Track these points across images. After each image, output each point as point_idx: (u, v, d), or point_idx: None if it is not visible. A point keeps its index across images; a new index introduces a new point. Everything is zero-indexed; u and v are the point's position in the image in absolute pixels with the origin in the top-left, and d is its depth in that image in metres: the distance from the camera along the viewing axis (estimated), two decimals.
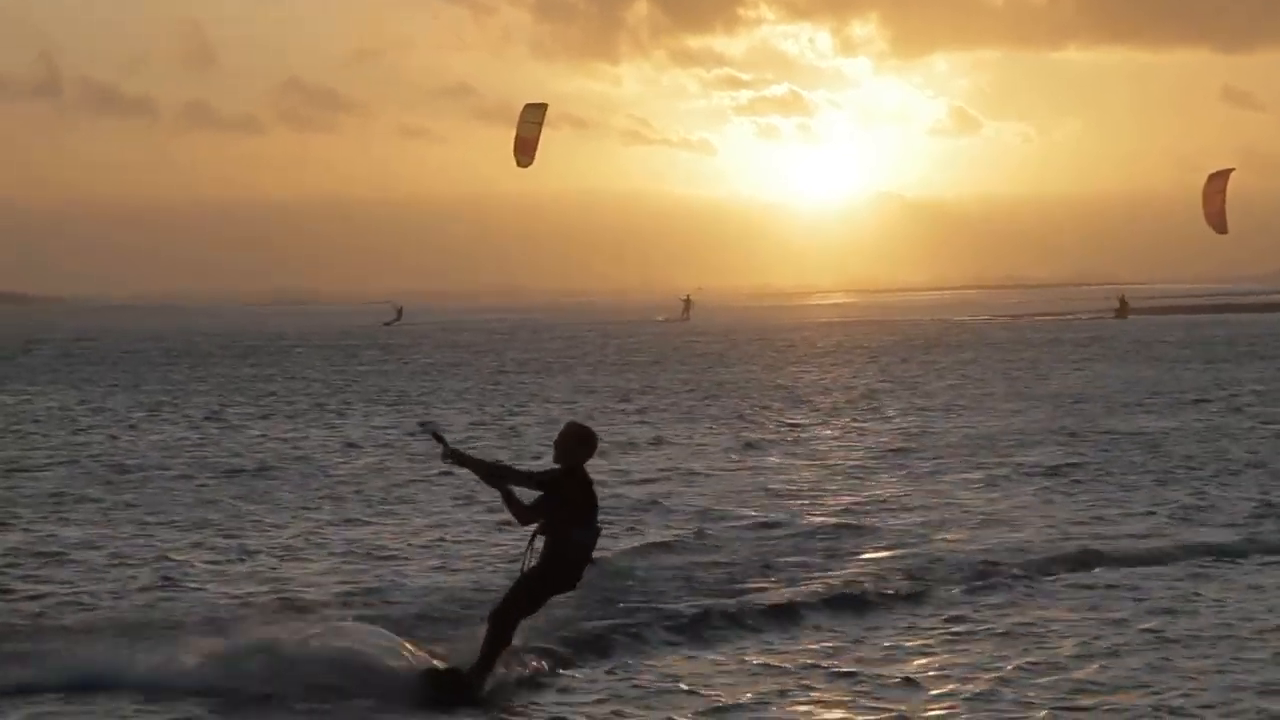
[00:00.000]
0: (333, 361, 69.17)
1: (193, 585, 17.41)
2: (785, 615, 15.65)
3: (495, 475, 12.77)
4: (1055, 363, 58.69)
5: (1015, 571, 17.61)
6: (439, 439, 12.89)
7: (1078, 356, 62.66)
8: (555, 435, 13.02)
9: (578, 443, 12.83)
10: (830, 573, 17.61)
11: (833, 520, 21.46)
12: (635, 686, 13.15)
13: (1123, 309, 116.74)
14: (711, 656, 14.16)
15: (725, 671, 13.63)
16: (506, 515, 13.00)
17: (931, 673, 13.46)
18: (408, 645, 13.11)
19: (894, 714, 12.37)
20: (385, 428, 35.93)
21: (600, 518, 12.83)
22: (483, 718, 12.41)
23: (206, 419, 38.84)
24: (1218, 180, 52.53)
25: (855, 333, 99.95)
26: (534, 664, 13.41)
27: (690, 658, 14.15)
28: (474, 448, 30.41)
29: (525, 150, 40.34)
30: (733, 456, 29.91)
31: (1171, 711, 12.33)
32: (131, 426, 37.04)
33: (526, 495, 12.87)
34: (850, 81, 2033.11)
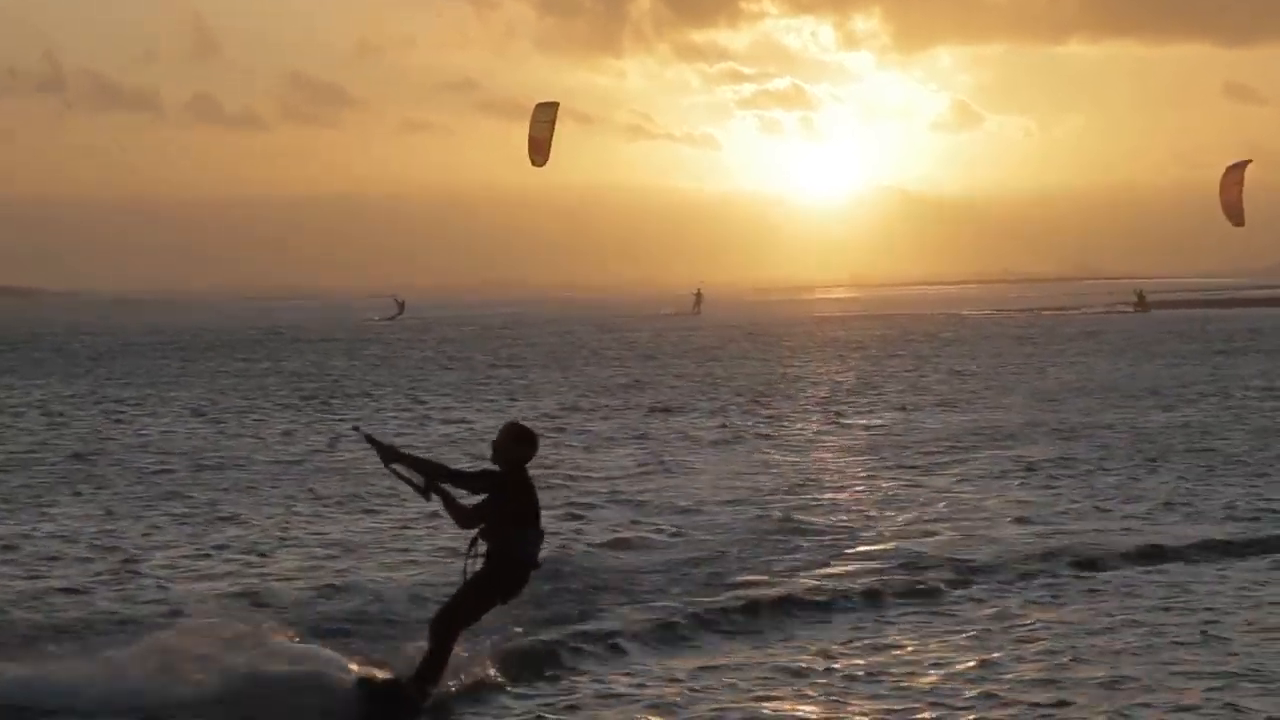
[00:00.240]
0: (329, 356, 68.84)
1: (151, 581, 16.95)
2: (766, 613, 15.28)
3: (434, 477, 12.17)
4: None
5: (1005, 568, 17.42)
6: (373, 443, 12.31)
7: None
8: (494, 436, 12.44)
9: (515, 441, 12.29)
10: (815, 570, 17.29)
11: (819, 517, 21.05)
12: (599, 697, 12.55)
13: (1141, 304, 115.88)
14: (684, 659, 13.68)
15: (700, 672, 13.16)
16: (447, 519, 12.43)
17: (918, 670, 13.22)
18: (349, 662, 12.33)
19: (879, 713, 12.07)
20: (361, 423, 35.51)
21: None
22: None
23: (192, 413, 38.45)
24: (1235, 171, 52.18)
25: (855, 327, 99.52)
26: (481, 673, 12.69)
27: (662, 661, 13.65)
28: (462, 441, 30.22)
29: (539, 150, 40.27)
30: (719, 450, 29.44)
31: (1164, 709, 12.11)
32: (118, 420, 36.65)
33: (469, 499, 12.29)
34: (853, 75, 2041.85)
